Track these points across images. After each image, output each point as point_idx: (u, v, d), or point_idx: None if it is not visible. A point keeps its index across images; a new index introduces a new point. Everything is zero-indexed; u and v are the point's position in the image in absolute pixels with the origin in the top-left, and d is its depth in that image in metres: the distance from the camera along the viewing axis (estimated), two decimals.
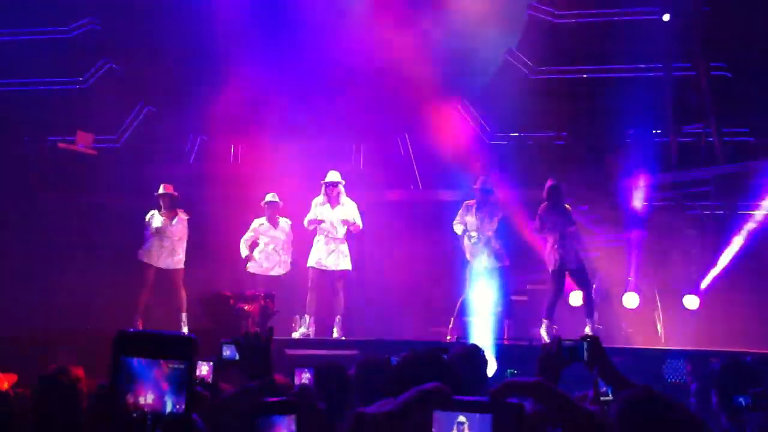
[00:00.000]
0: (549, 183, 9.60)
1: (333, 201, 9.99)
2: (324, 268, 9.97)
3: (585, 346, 2.98)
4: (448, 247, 11.76)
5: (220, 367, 4.14)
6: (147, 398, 1.37)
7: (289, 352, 8.94)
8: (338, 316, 9.99)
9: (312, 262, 10.00)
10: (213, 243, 11.49)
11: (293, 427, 1.98)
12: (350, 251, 10.18)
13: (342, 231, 10.01)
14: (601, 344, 3.03)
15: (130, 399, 1.37)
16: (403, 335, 10.51)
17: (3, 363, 4.66)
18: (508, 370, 8.55)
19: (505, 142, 13.21)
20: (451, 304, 10.52)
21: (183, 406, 1.39)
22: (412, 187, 13.13)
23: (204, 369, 4.51)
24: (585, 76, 13.17)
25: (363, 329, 10.75)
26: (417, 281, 11.98)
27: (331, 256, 9.97)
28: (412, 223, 12.47)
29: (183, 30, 13.85)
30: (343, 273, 10.02)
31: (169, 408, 1.38)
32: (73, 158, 13.22)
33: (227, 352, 3.61)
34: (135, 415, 1.36)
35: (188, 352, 1.40)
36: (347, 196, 10.15)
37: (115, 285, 11.20)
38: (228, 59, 13.46)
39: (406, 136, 13.60)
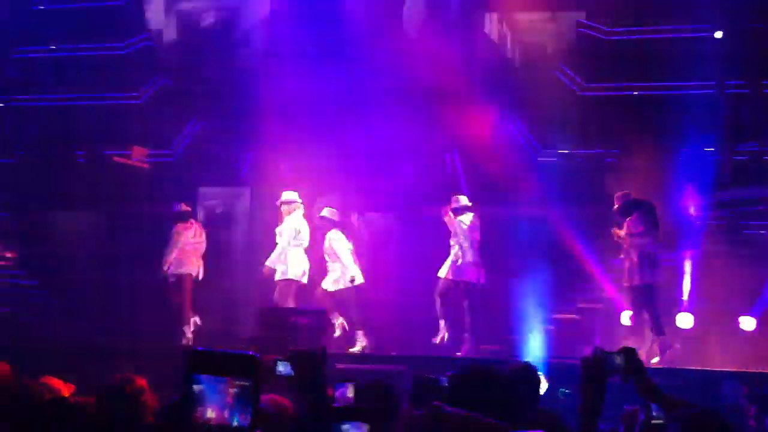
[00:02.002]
0: (630, 197, 9.77)
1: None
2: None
3: (621, 356, 2.97)
4: (494, 263, 11.76)
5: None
6: (214, 414, 1.41)
7: (339, 366, 8.99)
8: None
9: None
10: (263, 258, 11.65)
11: None
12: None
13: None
14: (637, 356, 3.02)
15: (199, 414, 1.41)
16: (452, 352, 10.53)
17: (60, 373, 4.74)
18: (560, 390, 8.47)
19: (554, 159, 13.12)
20: (500, 321, 10.51)
21: (248, 422, 1.43)
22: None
23: None
24: (636, 93, 13.04)
25: (412, 346, 10.78)
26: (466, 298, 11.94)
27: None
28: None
29: (233, 46, 14.09)
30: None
31: (234, 423, 1.42)
32: (128, 172, 13.52)
33: (282, 368, 3.67)
34: (203, 429, 1.40)
35: (253, 369, 1.44)
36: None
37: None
38: (278, 76, 13.63)
39: (454, 153, 13.59)
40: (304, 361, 2.98)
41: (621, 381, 2.98)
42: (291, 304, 10.50)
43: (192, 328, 11.03)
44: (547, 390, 8.45)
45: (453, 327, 10.79)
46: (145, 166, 13.93)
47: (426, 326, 11.16)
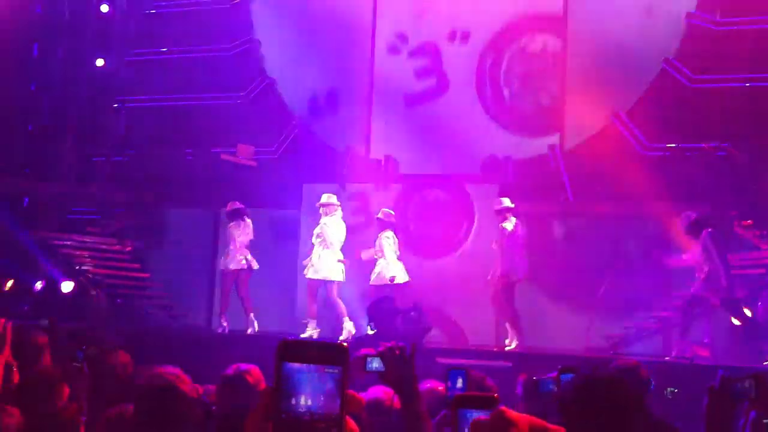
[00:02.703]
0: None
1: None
2: None
3: (750, 382, 2.73)
4: (599, 258, 11.57)
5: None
6: (304, 401, 1.47)
7: (441, 360, 9.02)
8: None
9: None
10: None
11: None
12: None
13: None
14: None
15: (290, 402, 1.47)
16: (557, 346, 10.45)
17: (174, 363, 4.89)
18: (667, 389, 8.26)
19: (661, 153, 12.75)
20: (605, 318, 10.36)
21: (337, 410, 1.48)
22: (562, 199, 12.92)
23: None
24: (748, 84, 12.52)
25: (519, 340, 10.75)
26: (570, 292, 11.82)
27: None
28: (562, 234, 12.31)
29: (336, 45, 14.29)
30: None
31: (324, 411, 1.47)
32: (234, 169, 13.92)
33: (374, 364, 3.73)
34: (295, 416, 1.46)
35: (342, 358, 1.50)
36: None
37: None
38: (379, 72, 13.76)
39: (557, 147, 13.39)
40: (394, 358, 3.00)
41: (749, 408, 2.81)
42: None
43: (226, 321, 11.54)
44: (653, 389, 8.30)
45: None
46: (252, 163, 14.28)
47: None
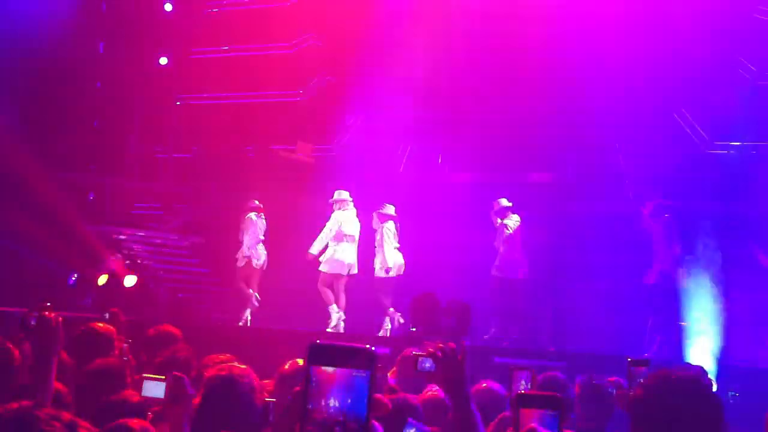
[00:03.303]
0: None
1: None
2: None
3: None
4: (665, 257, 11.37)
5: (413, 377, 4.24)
6: (333, 404, 1.50)
7: (498, 360, 8.99)
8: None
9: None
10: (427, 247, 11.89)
11: (555, 422, 2.05)
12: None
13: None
14: None
15: (320, 403, 1.50)
16: (612, 348, 10.31)
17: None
18: (729, 393, 8.11)
19: (725, 152, 12.48)
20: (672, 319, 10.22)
21: (365, 412, 1.50)
22: (623, 197, 12.74)
23: None
24: None
25: (572, 339, 10.65)
26: (629, 293, 11.64)
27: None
28: (622, 233, 12.13)
29: (393, 41, 14.30)
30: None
31: (352, 414, 1.49)
32: (293, 166, 14.05)
33: (426, 364, 3.73)
34: (322, 418, 1.49)
35: (370, 362, 1.51)
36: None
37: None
38: (437, 70, 13.74)
39: (618, 145, 13.20)
40: (446, 358, 3.00)
41: None
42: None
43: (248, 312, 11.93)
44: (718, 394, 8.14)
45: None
46: (311, 160, 14.39)
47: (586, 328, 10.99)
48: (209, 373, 3.74)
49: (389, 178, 13.26)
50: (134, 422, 3.34)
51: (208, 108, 15.98)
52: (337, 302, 11.44)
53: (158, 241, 14.39)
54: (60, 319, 3.73)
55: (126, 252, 13.68)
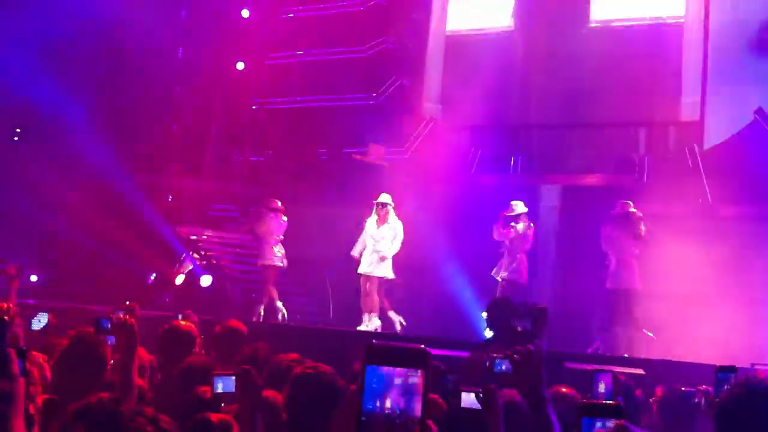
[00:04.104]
0: None
1: (381, 220, 11.35)
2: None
3: None
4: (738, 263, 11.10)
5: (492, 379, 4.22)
6: (388, 403, 1.53)
7: (569, 365, 8.86)
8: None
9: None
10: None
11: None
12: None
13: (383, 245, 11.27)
14: None
15: (375, 403, 1.53)
16: (692, 354, 10.09)
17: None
18: None
19: None
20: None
21: (419, 412, 1.53)
22: (700, 200, 12.45)
23: None
24: None
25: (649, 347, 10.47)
26: (706, 299, 11.36)
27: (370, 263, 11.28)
28: (699, 238, 11.85)
29: (462, 43, 14.31)
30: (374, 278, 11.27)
31: (407, 413, 1.53)
32: (366, 169, 14.14)
33: (502, 366, 3.74)
34: (376, 417, 1.52)
35: (424, 362, 1.55)
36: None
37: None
38: (507, 73, 13.68)
39: (696, 147, 12.91)
40: (523, 361, 3.02)
41: None
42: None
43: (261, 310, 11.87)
44: None
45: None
46: (384, 163, 14.47)
47: None
48: (297, 371, 3.84)
49: (460, 181, 13.22)
50: (214, 416, 3.45)
51: (282, 112, 16.22)
52: (369, 306, 11.43)
53: (234, 242, 14.65)
54: (132, 320, 3.86)
55: (202, 253, 13.98)
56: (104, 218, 12.89)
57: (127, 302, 5.30)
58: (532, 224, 11.49)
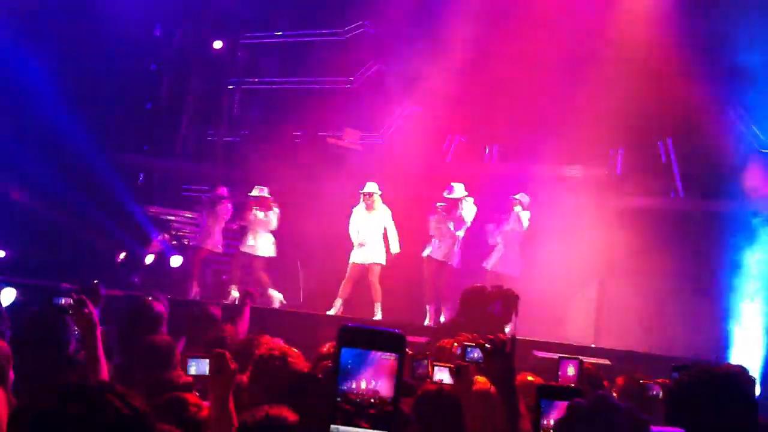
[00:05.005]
0: None
1: (368, 208, 11.30)
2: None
3: None
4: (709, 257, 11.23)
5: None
6: (363, 384, 1.54)
7: (537, 353, 8.94)
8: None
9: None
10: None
11: None
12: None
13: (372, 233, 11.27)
14: None
15: (349, 384, 1.54)
16: (660, 347, 10.23)
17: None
18: None
19: None
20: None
21: (393, 393, 1.54)
22: (672, 194, 12.58)
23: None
24: None
25: (619, 339, 10.58)
26: (675, 293, 11.48)
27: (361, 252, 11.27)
28: (671, 232, 11.97)
29: (445, 30, 14.25)
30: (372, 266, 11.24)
31: (381, 394, 1.53)
32: (340, 153, 14.10)
33: (474, 354, 3.78)
34: (351, 398, 1.53)
35: (399, 346, 1.56)
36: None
37: None
38: (487, 61, 13.66)
39: (669, 141, 13.03)
40: (494, 350, 3.03)
41: None
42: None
43: (237, 295, 11.62)
44: (761, 395, 8.00)
45: None
46: (359, 148, 14.43)
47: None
48: (260, 351, 3.84)
49: (436, 168, 13.22)
50: (186, 395, 3.44)
51: (259, 93, 16.12)
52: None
53: None
54: (88, 308, 3.78)
55: (173, 233, 13.88)
56: (74, 196, 12.75)
57: (95, 281, 5.24)
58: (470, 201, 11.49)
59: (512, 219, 11.59)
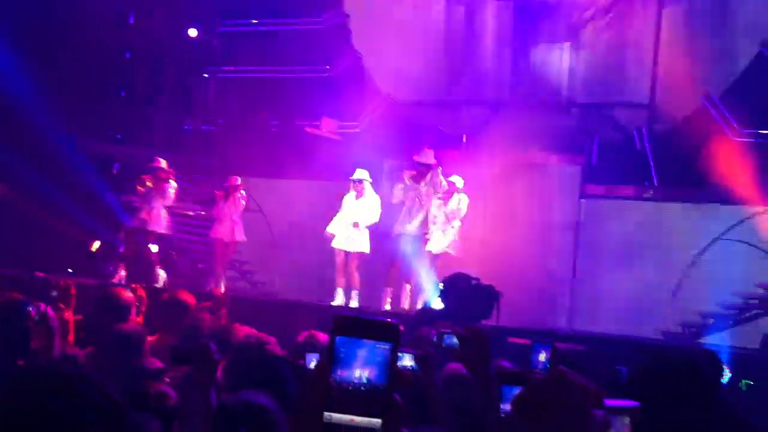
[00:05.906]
0: None
1: (358, 194, 11.26)
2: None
3: None
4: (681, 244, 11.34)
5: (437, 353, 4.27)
6: (356, 374, 1.55)
7: (512, 340, 8.99)
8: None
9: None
10: None
11: None
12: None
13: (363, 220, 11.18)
14: None
15: (342, 374, 1.55)
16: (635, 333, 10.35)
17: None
18: (743, 381, 8.04)
19: (753, 140, 12.36)
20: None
21: (386, 383, 1.55)
22: (647, 183, 12.68)
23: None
24: None
25: (594, 325, 10.69)
26: (648, 277, 11.60)
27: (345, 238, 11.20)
28: (644, 219, 12.08)
29: (427, 23, 14.27)
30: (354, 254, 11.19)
31: (374, 383, 1.54)
32: (318, 142, 14.08)
33: (451, 340, 3.81)
34: (344, 387, 1.54)
35: (394, 335, 1.56)
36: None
37: None
38: (463, 49, 13.69)
39: (643, 130, 13.14)
40: (470, 339, 3.06)
41: None
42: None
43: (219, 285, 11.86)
44: (729, 381, 8.08)
45: None
46: (336, 137, 14.41)
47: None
48: (237, 339, 3.83)
49: (412, 156, 13.19)
50: (157, 383, 3.43)
51: (235, 81, 16.03)
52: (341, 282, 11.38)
53: (181, 212, 14.46)
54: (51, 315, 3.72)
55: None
56: (48, 185, 12.63)
57: (69, 270, 5.19)
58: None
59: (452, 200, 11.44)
